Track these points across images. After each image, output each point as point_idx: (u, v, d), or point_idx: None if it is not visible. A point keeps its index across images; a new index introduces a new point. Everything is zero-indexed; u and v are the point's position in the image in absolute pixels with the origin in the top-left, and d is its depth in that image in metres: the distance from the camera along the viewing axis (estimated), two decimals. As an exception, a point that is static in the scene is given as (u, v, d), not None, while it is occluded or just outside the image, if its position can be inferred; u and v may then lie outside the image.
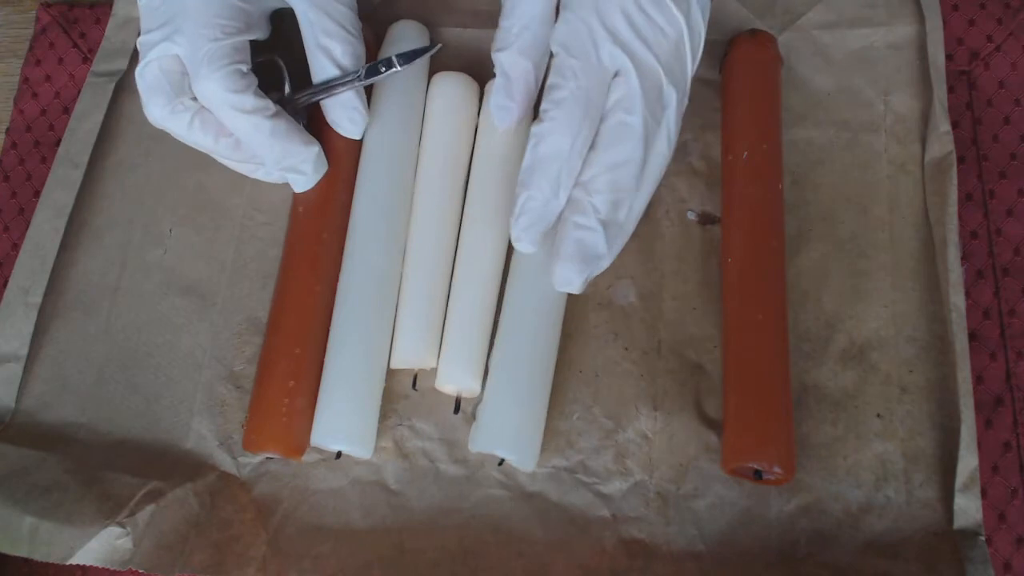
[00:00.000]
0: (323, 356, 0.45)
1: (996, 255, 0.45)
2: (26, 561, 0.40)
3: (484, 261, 0.44)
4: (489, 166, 0.46)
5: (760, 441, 0.39)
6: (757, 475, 0.39)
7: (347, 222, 0.47)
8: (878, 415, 0.42)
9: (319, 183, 0.46)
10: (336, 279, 0.46)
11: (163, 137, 0.46)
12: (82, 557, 0.39)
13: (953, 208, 0.43)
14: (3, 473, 0.42)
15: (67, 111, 0.53)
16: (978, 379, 0.43)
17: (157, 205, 0.50)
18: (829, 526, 0.40)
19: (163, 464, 0.44)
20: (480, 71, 0.49)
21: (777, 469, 0.39)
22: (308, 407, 0.43)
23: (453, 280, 0.45)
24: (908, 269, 0.44)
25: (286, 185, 0.48)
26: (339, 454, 0.43)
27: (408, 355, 0.44)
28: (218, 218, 0.49)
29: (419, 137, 0.48)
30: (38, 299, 0.47)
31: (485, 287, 0.44)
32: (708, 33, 0.42)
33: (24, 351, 0.46)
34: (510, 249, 0.44)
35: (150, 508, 0.41)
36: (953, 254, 0.42)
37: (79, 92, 0.52)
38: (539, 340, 0.42)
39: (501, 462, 0.42)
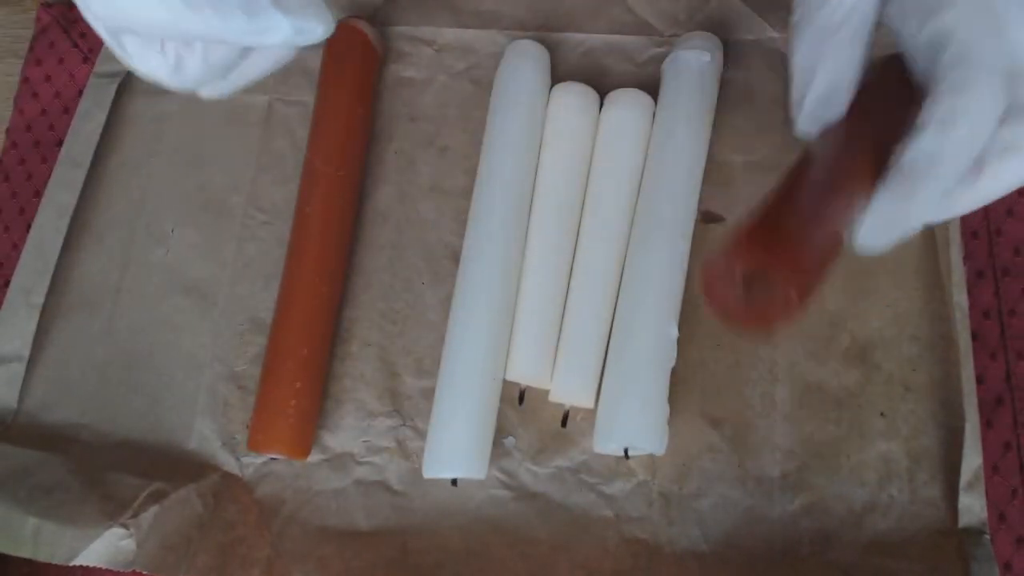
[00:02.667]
0: (327, 356, 0.45)
1: (996, 255, 0.46)
2: (28, 562, 0.40)
3: (601, 274, 0.44)
4: (607, 180, 0.46)
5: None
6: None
7: (351, 224, 0.47)
8: (881, 414, 0.42)
9: (326, 183, 0.46)
10: (341, 279, 0.46)
11: (165, 137, 0.46)
12: (85, 558, 0.39)
13: (955, 207, 0.43)
14: (5, 473, 0.42)
15: (67, 111, 0.53)
16: (978, 379, 0.43)
17: (159, 205, 0.50)
18: (832, 525, 0.41)
19: (166, 465, 0.44)
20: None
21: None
22: (313, 408, 0.44)
23: (570, 293, 0.44)
24: (910, 268, 0.44)
25: (288, 184, 0.48)
26: (455, 481, 0.42)
27: (523, 370, 0.43)
28: (219, 218, 0.49)
29: (538, 151, 0.47)
30: (40, 299, 0.47)
31: (602, 301, 0.44)
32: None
33: (26, 352, 0.46)
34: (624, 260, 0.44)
35: (153, 509, 0.40)
36: (956, 253, 0.43)
37: (79, 92, 0.52)
38: (654, 333, 0.42)
39: (626, 454, 0.41)
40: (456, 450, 0.41)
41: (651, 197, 0.44)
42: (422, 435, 0.44)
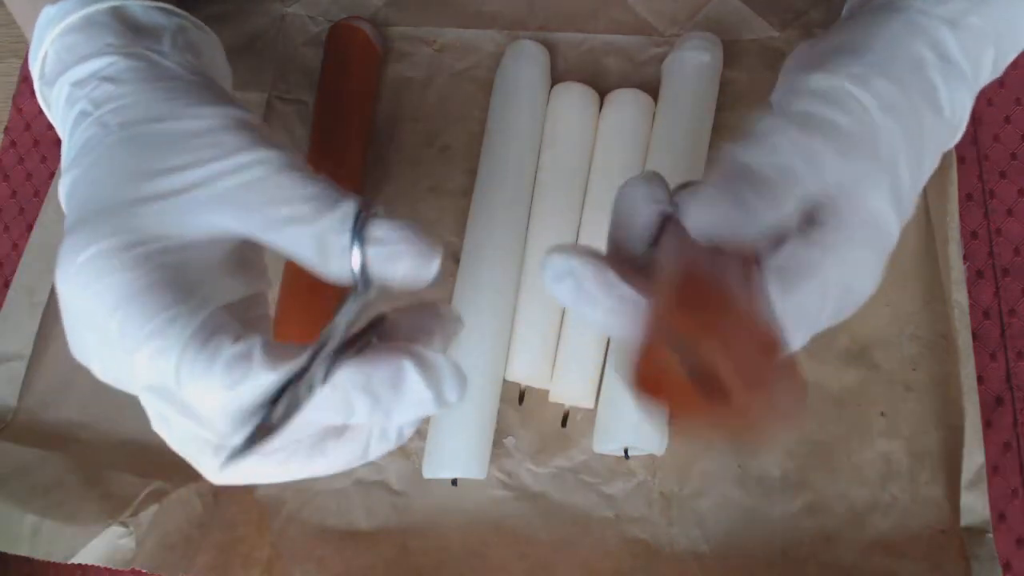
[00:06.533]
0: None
1: (996, 255, 0.46)
2: (28, 561, 0.40)
3: None
4: (607, 179, 0.45)
5: None
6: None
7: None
8: (882, 413, 0.42)
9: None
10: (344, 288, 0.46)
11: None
12: (84, 556, 0.39)
13: (954, 206, 0.43)
14: (5, 472, 0.42)
15: (68, 111, 0.53)
16: (978, 379, 0.43)
17: (159, 205, 0.50)
18: (833, 525, 0.40)
19: (166, 463, 0.43)
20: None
21: None
22: None
23: None
24: (909, 268, 0.44)
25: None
26: (455, 481, 0.42)
27: (523, 370, 0.43)
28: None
29: (538, 149, 0.47)
30: (43, 298, 0.47)
31: None
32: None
33: (28, 351, 0.46)
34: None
35: (153, 508, 0.40)
36: (955, 251, 0.43)
37: (80, 92, 0.52)
38: None
39: (626, 454, 0.41)
40: (456, 450, 0.41)
41: None
42: (422, 435, 0.44)
